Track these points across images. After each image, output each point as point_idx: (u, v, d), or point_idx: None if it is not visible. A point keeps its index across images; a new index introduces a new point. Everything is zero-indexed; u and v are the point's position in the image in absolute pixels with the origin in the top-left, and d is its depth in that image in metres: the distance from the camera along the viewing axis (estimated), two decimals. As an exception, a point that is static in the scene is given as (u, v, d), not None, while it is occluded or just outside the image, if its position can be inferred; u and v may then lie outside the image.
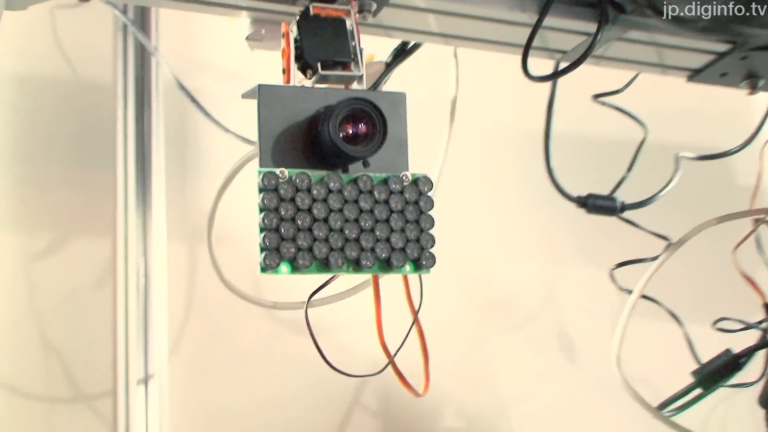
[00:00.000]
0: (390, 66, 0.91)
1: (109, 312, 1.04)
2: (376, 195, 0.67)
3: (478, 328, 1.23)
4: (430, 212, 0.69)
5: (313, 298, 0.94)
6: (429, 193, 0.69)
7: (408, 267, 0.69)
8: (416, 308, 0.78)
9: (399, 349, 0.78)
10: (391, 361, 0.79)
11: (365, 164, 0.67)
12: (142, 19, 1.12)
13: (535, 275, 1.28)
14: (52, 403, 1.03)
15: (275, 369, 1.13)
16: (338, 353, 1.14)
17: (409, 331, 0.78)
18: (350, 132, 0.66)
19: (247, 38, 0.82)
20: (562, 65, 0.86)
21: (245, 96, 0.70)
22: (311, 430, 1.13)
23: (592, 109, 1.03)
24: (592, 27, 0.81)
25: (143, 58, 1.11)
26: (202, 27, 1.17)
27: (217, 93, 1.12)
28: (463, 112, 1.17)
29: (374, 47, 0.93)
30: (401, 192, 0.68)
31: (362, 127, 0.67)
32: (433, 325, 1.20)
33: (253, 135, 0.68)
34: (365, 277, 0.82)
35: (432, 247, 0.69)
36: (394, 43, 0.90)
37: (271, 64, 1.19)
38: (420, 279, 0.80)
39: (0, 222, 1.04)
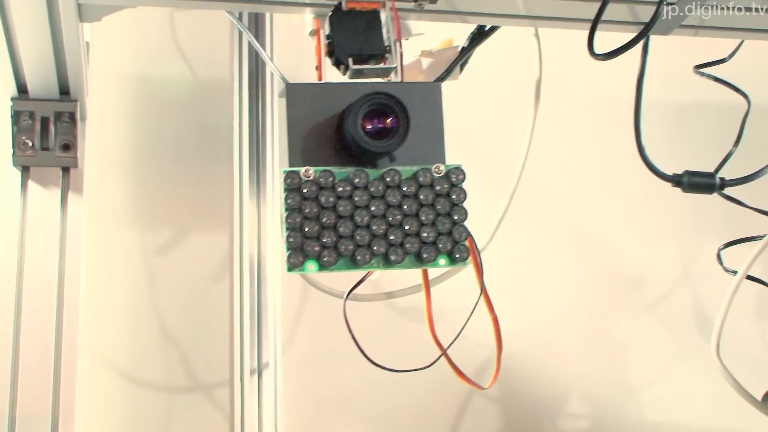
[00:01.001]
0: (466, 50, 0.90)
1: (226, 304, 1.07)
2: (405, 189, 0.67)
3: (608, 309, 1.19)
4: (463, 204, 0.68)
5: (397, 290, 0.95)
6: (461, 185, 0.68)
7: (442, 260, 0.68)
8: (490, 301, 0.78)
9: (452, 342, 0.78)
10: (444, 353, 0.79)
11: (391, 159, 0.67)
12: (257, 20, 1.14)
13: (669, 253, 1.23)
14: (171, 393, 1.07)
15: (393, 354, 1.13)
16: (457, 339, 1.14)
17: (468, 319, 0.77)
18: (371, 127, 0.66)
19: (309, 34, 0.82)
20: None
21: (281, 95, 0.71)
22: (428, 411, 1.13)
23: (695, 80, 0.98)
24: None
25: (257, 57, 1.13)
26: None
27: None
28: (595, 88, 1.15)
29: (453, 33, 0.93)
30: (431, 185, 0.67)
31: (387, 121, 0.66)
32: (561, 306, 1.19)
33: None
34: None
35: (466, 239, 0.68)
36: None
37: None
38: (481, 267, 0.79)
39: (123, 218, 1.09)
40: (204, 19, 1.16)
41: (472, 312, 0.77)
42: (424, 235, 0.67)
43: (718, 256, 0.99)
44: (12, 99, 0.95)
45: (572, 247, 1.20)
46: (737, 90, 0.95)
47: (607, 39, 0.79)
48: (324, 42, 0.71)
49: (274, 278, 1.08)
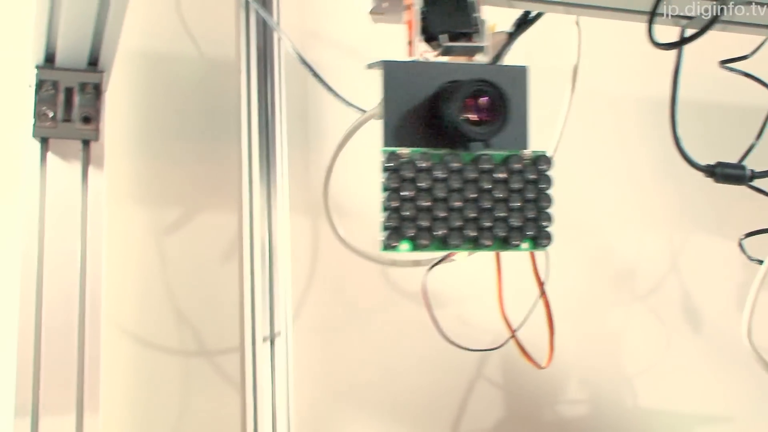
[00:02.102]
0: (513, 36, 0.90)
1: (235, 283, 1.06)
2: (496, 174, 0.67)
3: (601, 299, 1.22)
4: (549, 191, 0.68)
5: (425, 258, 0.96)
6: (548, 172, 0.68)
7: (526, 244, 0.68)
8: (542, 282, 0.79)
9: (522, 323, 0.79)
10: (513, 335, 0.79)
11: (487, 145, 0.67)
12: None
13: (659, 245, 1.26)
14: (184, 360, 1.06)
15: (395, 335, 1.14)
16: (458, 325, 1.15)
17: (535, 304, 0.78)
18: (472, 114, 0.66)
19: (370, 12, 0.82)
20: (688, 32, 0.84)
21: (371, 66, 0.70)
22: (433, 397, 1.14)
23: (719, 75, 1.00)
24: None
25: (265, 33, 1.12)
26: (320, 1, 1.18)
27: (336, 67, 1.13)
28: (585, 81, 1.16)
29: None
30: (520, 171, 0.68)
31: (485, 108, 0.66)
32: (557, 296, 1.20)
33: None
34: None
35: (550, 225, 0.68)
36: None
37: (388, 38, 1.20)
38: (547, 254, 0.80)
39: (133, 195, 1.07)
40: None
41: (533, 306, 0.77)
42: (512, 219, 0.67)
43: (741, 246, 1.01)
44: (36, 67, 0.92)
45: (567, 238, 1.22)
46: (764, 84, 0.98)
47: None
48: (417, 17, 0.70)
49: (283, 257, 1.07)
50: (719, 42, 0.95)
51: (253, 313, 1.06)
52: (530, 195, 0.68)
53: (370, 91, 0.88)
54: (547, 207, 0.69)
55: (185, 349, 1.07)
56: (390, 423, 1.13)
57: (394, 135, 0.67)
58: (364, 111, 0.97)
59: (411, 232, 0.65)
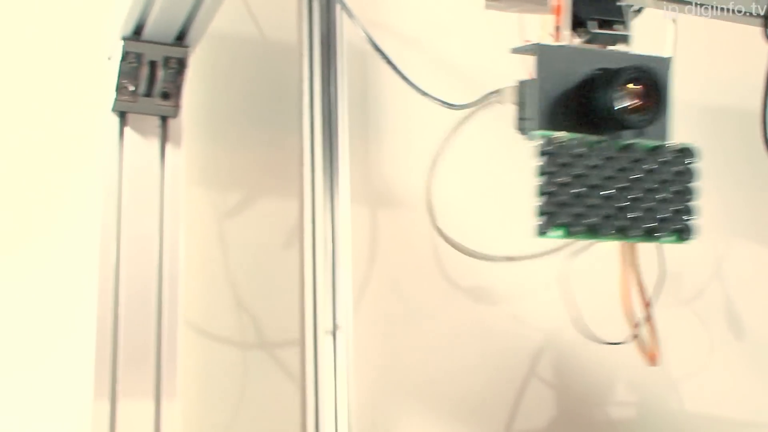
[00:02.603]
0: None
1: (296, 268, 1.04)
2: (646, 164, 0.66)
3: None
4: (694, 184, 0.68)
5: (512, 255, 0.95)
6: (693, 165, 0.68)
7: (671, 237, 0.68)
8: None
9: (644, 320, 0.78)
10: (636, 334, 0.79)
11: (641, 133, 0.67)
12: (327, -11, 1.11)
13: (704, 250, 1.27)
14: (243, 354, 1.04)
15: (452, 330, 1.13)
16: (514, 323, 1.15)
17: (646, 305, 0.77)
18: (630, 103, 0.65)
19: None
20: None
21: (516, 51, 0.69)
22: (487, 395, 1.13)
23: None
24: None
25: (329, 20, 1.10)
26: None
27: (396, 56, 1.11)
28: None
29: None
30: (667, 162, 0.67)
31: (640, 96, 0.66)
32: (605, 297, 1.20)
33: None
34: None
35: (695, 218, 0.68)
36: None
37: (447, 29, 1.19)
38: (662, 250, 0.80)
39: (194, 178, 1.04)
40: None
41: (647, 307, 0.77)
42: (661, 211, 0.67)
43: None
44: (123, 39, 0.90)
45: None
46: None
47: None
48: (569, 3, 0.69)
49: (344, 248, 1.06)
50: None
51: (314, 306, 1.04)
52: (676, 187, 0.68)
53: (434, 83, 0.88)
54: (692, 200, 0.68)
55: (245, 338, 1.05)
56: (446, 418, 1.12)
57: (548, 119, 0.66)
58: (443, 101, 0.97)
59: (566, 219, 0.64)
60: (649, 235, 0.67)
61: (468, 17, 1.19)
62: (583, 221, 0.65)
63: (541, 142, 0.64)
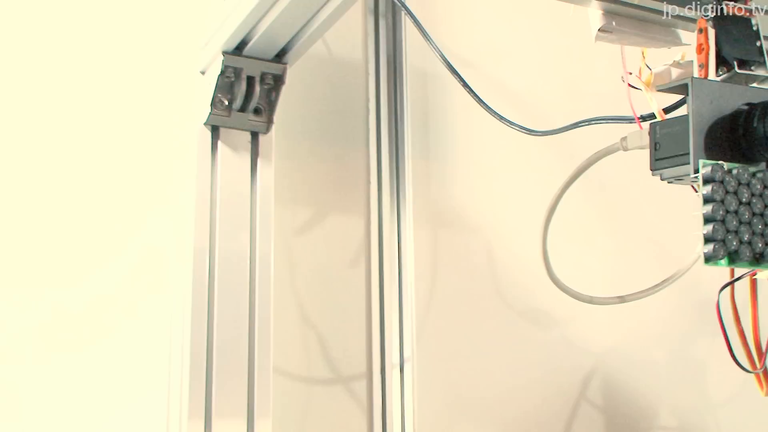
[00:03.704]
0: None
1: (362, 290, 1.03)
2: (799, 194, 0.68)
3: (688, 327, 1.24)
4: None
5: (628, 293, 0.96)
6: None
7: (821, 268, 0.69)
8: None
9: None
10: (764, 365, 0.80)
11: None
12: (394, 10, 1.12)
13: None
14: (309, 381, 1.03)
15: (510, 358, 1.14)
16: (566, 346, 1.16)
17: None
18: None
19: (598, 29, 0.82)
20: None
21: (663, 89, 0.71)
22: (541, 419, 1.14)
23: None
24: None
25: (395, 41, 1.11)
26: (441, 14, 1.17)
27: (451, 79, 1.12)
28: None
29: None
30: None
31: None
32: (648, 323, 1.22)
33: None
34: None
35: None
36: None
37: (500, 55, 1.20)
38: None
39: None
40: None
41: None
42: (814, 241, 0.68)
43: None
44: (224, 53, 0.89)
45: (657, 267, 1.24)
46: None
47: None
48: (713, 42, 0.71)
49: (409, 270, 1.06)
50: None
51: (382, 338, 1.04)
52: (823, 216, 0.69)
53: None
54: (837, 229, 0.70)
55: (310, 359, 1.04)
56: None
57: (704, 149, 0.68)
58: (520, 127, 0.98)
59: (733, 246, 0.66)
60: (803, 264, 0.69)
61: (520, 42, 1.21)
62: (750, 249, 0.66)
63: (706, 170, 0.65)
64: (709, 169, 0.65)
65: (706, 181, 0.66)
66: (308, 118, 1.08)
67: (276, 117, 1.06)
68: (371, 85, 1.09)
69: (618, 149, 0.78)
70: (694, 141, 0.68)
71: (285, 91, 1.07)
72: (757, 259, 0.67)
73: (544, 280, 0.93)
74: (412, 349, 1.04)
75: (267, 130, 0.93)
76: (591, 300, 0.92)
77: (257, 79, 0.91)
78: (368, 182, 1.07)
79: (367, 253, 1.04)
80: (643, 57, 0.82)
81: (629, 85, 0.78)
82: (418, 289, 1.07)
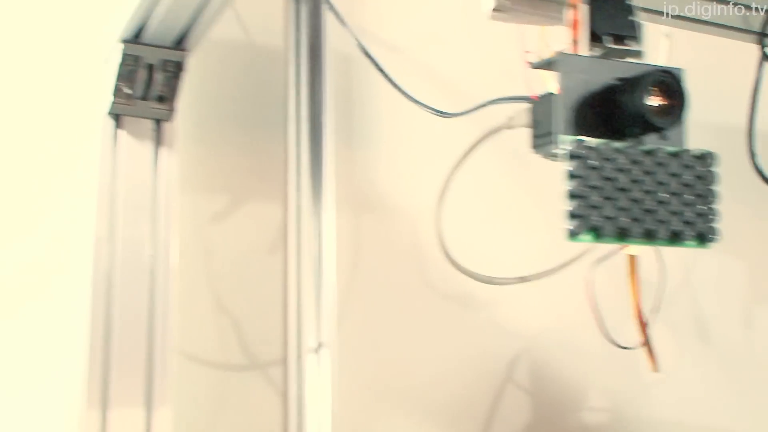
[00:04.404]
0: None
1: (280, 277, 1.03)
2: (670, 169, 0.68)
3: (622, 309, 1.24)
4: (715, 188, 0.70)
5: (526, 275, 0.96)
6: (714, 168, 0.70)
7: (694, 241, 0.69)
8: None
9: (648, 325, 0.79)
10: (647, 342, 0.80)
11: (662, 136, 0.68)
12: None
13: (672, 258, 1.29)
14: (224, 368, 1.03)
15: (434, 341, 1.13)
16: (493, 329, 1.16)
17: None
18: (656, 103, 0.67)
19: (493, 9, 0.82)
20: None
21: (537, 66, 0.71)
22: (468, 403, 1.14)
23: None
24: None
25: (316, 25, 1.10)
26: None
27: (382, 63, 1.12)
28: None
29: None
30: (690, 166, 0.69)
31: (667, 96, 0.68)
32: (579, 305, 1.22)
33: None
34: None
35: (716, 222, 0.70)
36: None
37: (429, 36, 1.20)
38: (660, 255, 0.82)
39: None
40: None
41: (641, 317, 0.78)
42: (685, 214, 0.68)
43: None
44: (123, 42, 0.89)
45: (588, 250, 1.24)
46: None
47: None
48: (586, 18, 0.71)
49: (329, 255, 1.06)
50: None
51: (299, 322, 1.03)
52: (698, 191, 0.69)
53: (418, 91, 0.89)
54: (713, 204, 0.70)
55: (226, 347, 1.04)
56: (428, 426, 1.12)
57: (572, 124, 0.67)
58: (433, 109, 0.97)
59: (597, 222, 0.65)
60: (674, 239, 0.68)
61: (453, 26, 1.20)
62: (614, 225, 0.66)
63: (569, 146, 0.65)
64: (571, 144, 0.65)
65: (569, 157, 0.65)
66: (227, 106, 1.08)
67: (194, 104, 1.06)
68: (291, 72, 1.09)
69: (504, 128, 0.78)
70: (562, 117, 0.68)
71: (203, 78, 1.08)
72: (623, 235, 0.66)
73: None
74: (330, 334, 1.04)
75: (171, 117, 0.93)
76: (490, 280, 0.92)
77: (157, 66, 0.91)
78: (287, 169, 1.06)
79: (285, 239, 1.04)
80: (543, 36, 0.82)
81: (528, 63, 0.77)
82: (340, 273, 1.07)
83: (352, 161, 1.12)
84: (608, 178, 0.66)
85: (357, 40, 0.99)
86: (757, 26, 0.90)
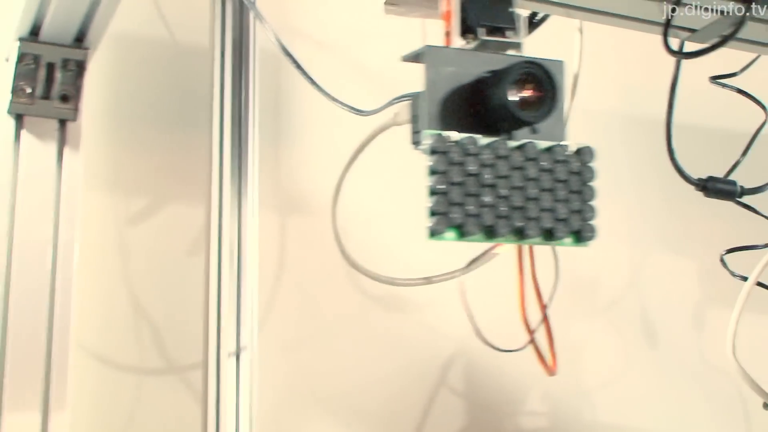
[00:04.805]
0: (516, 38, 0.89)
1: (200, 280, 1.01)
2: (542, 163, 0.65)
3: (562, 311, 1.21)
4: (593, 184, 0.67)
5: (433, 276, 0.94)
6: (591, 164, 0.67)
7: (569, 239, 0.67)
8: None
9: (536, 328, 0.77)
10: (532, 340, 0.78)
11: (534, 130, 0.66)
12: (241, -8, 1.10)
13: (619, 259, 1.27)
14: (142, 372, 1.01)
15: (363, 345, 1.11)
16: (425, 331, 1.14)
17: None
18: (521, 96, 0.65)
19: (385, 2, 0.80)
20: (693, 46, 0.84)
21: (406, 59, 0.68)
22: (399, 408, 1.12)
23: (709, 91, 1.01)
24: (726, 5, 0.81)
25: (241, 24, 1.08)
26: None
27: (311, 62, 1.09)
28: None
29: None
30: (565, 161, 0.66)
31: (533, 89, 0.65)
32: (509, 307, 1.19)
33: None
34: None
35: (593, 219, 0.67)
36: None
37: (353, 34, 1.18)
38: (555, 253, 0.79)
39: (95, 183, 1.02)
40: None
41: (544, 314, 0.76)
42: (558, 210, 0.66)
43: (722, 261, 1.01)
44: (19, 39, 0.87)
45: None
46: (757, 102, 0.99)
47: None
48: (458, 9, 0.68)
49: (251, 258, 1.04)
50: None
51: (218, 326, 1.01)
52: (574, 188, 0.67)
53: (350, 90, 0.87)
54: (591, 200, 0.67)
55: (144, 350, 1.02)
56: None
57: (439, 119, 0.65)
58: (351, 107, 0.95)
59: (459, 219, 0.63)
60: (547, 236, 0.66)
61: (383, 23, 1.18)
62: (478, 222, 0.63)
63: (429, 141, 0.62)
64: (432, 139, 0.63)
65: (430, 152, 0.63)
66: (149, 105, 1.07)
67: (114, 104, 1.05)
68: (216, 70, 1.07)
69: (392, 124, 0.76)
70: (427, 112, 0.65)
71: (125, 77, 1.06)
72: (490, 233, 0.64)
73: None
74: (251, 338, 1.02)
75: (75, 117, 0.92)
76: (392, 282, 0.90)
77: (58, 65, 0.89)
78: (210, 168, 1.04)
79: (207, 241, 1.02)
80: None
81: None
82: (264, 276, 1.05)
83: (277, 161, 1.10)
84: (472, 174, 0.63)
85: (275, 35, 0.97)
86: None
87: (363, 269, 0.87)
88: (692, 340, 1.27)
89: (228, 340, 1.01)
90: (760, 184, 0.94)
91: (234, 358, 1.01)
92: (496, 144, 0.64)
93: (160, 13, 1.08)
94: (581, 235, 0.67)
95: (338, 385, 1.09)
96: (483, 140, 0.64)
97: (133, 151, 1.05)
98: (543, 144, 0.66)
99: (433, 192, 0.63)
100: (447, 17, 0.69)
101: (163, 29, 1.08)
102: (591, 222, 0.67)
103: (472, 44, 0.69)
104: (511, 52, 0.70)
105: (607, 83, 1.28)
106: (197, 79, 1.07)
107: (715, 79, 1.00)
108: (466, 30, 0.69)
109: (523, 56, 0.68)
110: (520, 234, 0.65)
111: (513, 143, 0.65)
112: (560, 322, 1.21)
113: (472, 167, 0.64)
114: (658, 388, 1.25)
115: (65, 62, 0.89)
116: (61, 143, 0.91)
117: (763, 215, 0.96)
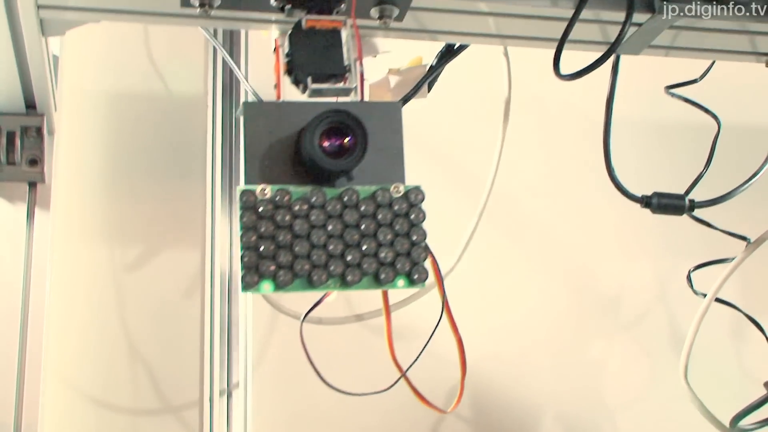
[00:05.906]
0: (434, 69, 0.89)
1: (197, 322, 1.05)
2: (363, 209, 0.66)
3: (581, 329, 1.18)
4: (422, 224, 0.67)
5: (365, 312, 0.94)
6: (420, 205, 0.67)
7: (401, 281, 0.67)
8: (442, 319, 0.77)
9: (411, 365, 0.77)
10: (403, 375, 0.78)
11: (349, 178, 0.66)
12: (232, 37, 1.13)
13: (645, 273, 1.22)
14: (137, 414, 1.06)
15: (365, 377, 1.12)
16: (428, 359, 1.13)
17: (427, 342, 0.76)
18: (328, 145, 0.65)
19: (273, 52, 0.81)
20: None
21: (238, 115, 0.70)
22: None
23: (668, 101, 0.97)
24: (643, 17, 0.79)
25: (231, 74, 1.12)
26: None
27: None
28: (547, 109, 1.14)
29: (423, 51, 0.92)
30: (390, 205, 0.66)
31: (344, 139, 0.66)
32: (535, 327, 1.17)
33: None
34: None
35: (425, 260, 0.67)
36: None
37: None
38: (443, 286, 0.78)
39: (93, 234, 1.08)
40: (179, 34, 1.15)
41: (432, 333, 0.76)
42: (382, 255, 0.66)
43: (689, 278, 0.98)
44: (-23, 111, 0.94)
45: (546, 266, 1.19)
46: (707, 111, 0.95)
47: (582, 58, 0.78)
48: (283, 60, 0.69)
49: (245, 297, 1.07)
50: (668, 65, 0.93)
51: (211, 366, 1.05)
52: (402, 229, 0.67)
53: None
54: (421, 241, 0.67)
55: (140, 401, 1.07)
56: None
57: (257, 175, 0.66)
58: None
59: (270, 271, 0.64)
60: (375, 280, 0.66)
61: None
62: (291, 273, 0.64)
63: (242, 197, 0.64)
64: (241, 195, 0.65)
65: (240, 208, 0.65)
66: (145, 156, 1.12)
67: (109, 156, 1.11)
68: (209, 118, 1.11)
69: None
70: (245, 167, 0.67)
71: (119, 130, 1.12)
72: (308, 282, 0.65)
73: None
74: (245, 375, 1.05)
75: (44, 179, 0.97)
76: (319, 321, 0.91)
77: (18, 133, 0.96)
78: (204, 215, 1.09)
79: (202, 283, 1.06)
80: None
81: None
82: (260, 313, 1.08)
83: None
84: (282, 227, 0.65)
85: (252, 90, 1.00)
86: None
87: (280, 306, 0.89)
88: (726, 354, 1.21)
89: (223, 378, 1.05)
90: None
91: (229, 397, 1.05)
92: (311, 194, 0.65)
93: (154, 66, 1.13)
94: (413, 277, 0.67)
95: (342, 418, 1.11)
96: (295, 191, 0.65)
97: (131, 201, 1.10)
98: (366, 189, 0.66)
99: (244, 247, 0.64)
100: (276, 69, 0.70)
101: (159, 82, 1.13)
102: (421, 264, 0.67)
103: (306, 92, 0.70)
104: (342, 99, 0.70)
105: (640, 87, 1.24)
106: (193, 128, 1.11)
107: (669, 88, 0.96)
108: (296, 81, 0.70)
109: (353, 103, 0.69)
110: (342, 280, 0.66)
111: (334, 191, 0.66)
112: (579, 342, 1.19)
113: (282, 220, 0.65)
114: (686, 406, 1.19)
115: (25, 129, 0.95)
116: (32, 204, 0.97)
117: (717, 229, 0.91)
